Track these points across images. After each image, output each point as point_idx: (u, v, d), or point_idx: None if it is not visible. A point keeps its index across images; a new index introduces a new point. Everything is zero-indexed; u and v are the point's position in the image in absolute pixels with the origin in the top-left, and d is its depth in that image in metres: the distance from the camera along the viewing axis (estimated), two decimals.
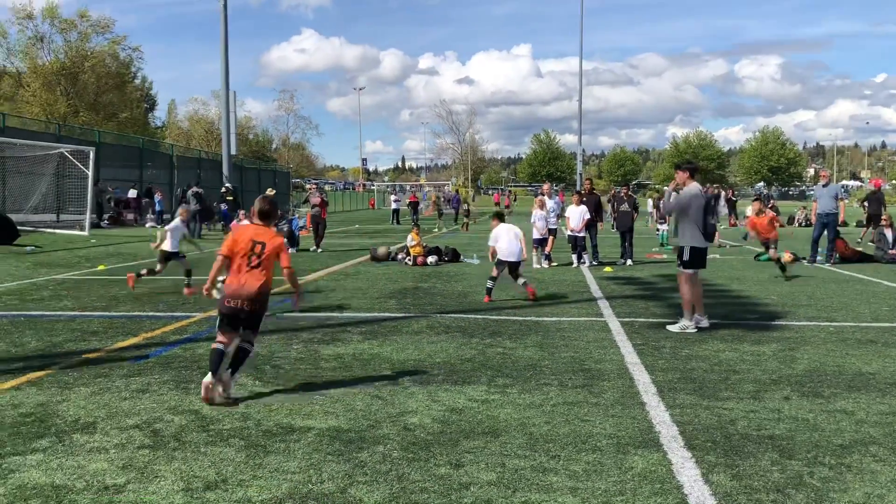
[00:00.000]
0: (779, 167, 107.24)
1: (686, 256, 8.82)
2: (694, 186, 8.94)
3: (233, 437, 4.85)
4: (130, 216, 34.65)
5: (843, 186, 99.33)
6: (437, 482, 4.13)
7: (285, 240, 22.34)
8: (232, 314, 5.65)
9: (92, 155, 27.74)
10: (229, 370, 5.69)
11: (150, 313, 9.70)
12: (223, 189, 31.05)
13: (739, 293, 12.14)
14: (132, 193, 35.99)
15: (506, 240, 11.09)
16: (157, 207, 34.42)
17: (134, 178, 37.86)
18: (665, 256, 19.40)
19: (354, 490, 4.01)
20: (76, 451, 4.61)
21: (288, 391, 6.01)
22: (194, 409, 5.48)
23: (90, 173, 27.67)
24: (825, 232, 17.02)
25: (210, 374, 5.59)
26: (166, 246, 11.66)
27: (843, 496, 3.97)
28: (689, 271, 8.83)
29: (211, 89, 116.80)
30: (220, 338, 5.72)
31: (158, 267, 11.80)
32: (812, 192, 27.10)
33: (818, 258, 17.17)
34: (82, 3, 66.87)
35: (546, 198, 17.25)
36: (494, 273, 11.15)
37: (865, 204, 23.02)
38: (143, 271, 11.85)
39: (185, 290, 11.28)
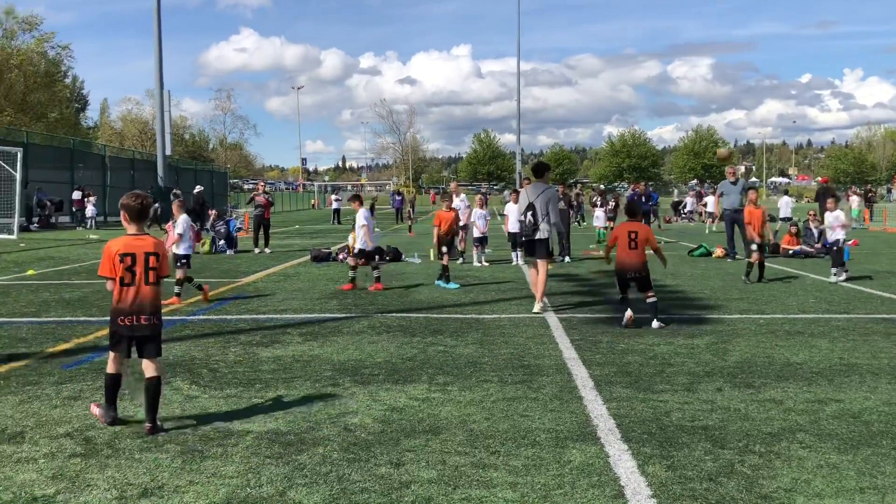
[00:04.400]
0: (712, 165, 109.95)
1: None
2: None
3: (168, 443, 4.76)
4: (65, 218, 33.69)
5: (753, 183, 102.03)
6: (378, 482, 4.12)
7: (222, 240, 21.64)
8: (623, 280, 8.93)
9: (20, 156, 26.85)
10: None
11: (83, 318, 9.44)
12: (200, 188, 30.91)
13: (674, 288, 12.42)
14: (76, 195, 34.99)
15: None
16: (91, 211, 33.53)
17: (65, 179, 36.76)
18: (602, 253, 19.74)
19: (293, 493, 3.98)
20: (3, 461, 4.45)
21: (225, 395, 5.92)
22: (128, 416, 5.34)
23: (18, 175, 26.76)
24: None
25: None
26: (179, 249, 10.97)
27: (771, 482, 4.10)
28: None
29: (146, 88, 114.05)
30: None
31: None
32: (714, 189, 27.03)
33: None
34: None
35: (454, 195, 17.37)
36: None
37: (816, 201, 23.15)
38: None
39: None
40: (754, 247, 12.94)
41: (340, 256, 17.24)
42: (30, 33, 58.50)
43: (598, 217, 24.04)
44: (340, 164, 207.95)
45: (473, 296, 11.54)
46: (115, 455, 4.56)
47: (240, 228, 23.93)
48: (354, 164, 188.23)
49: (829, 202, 14.28)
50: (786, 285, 12.62)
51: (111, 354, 5.13)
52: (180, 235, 10.97)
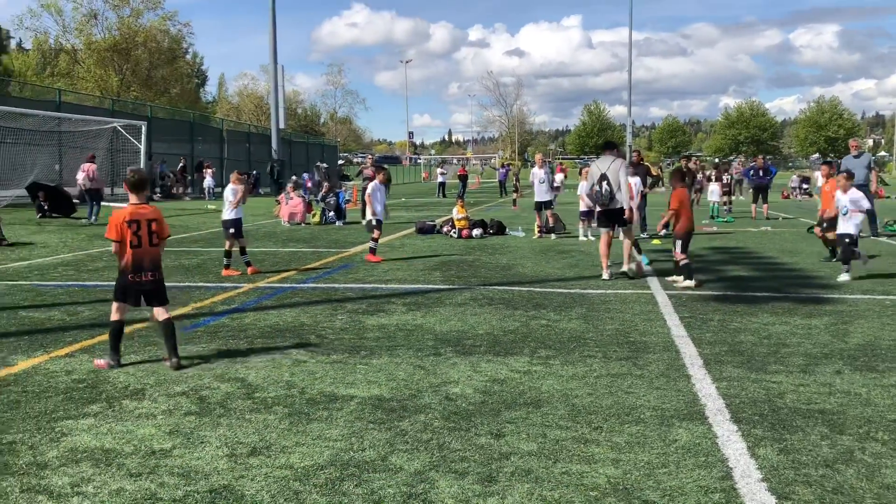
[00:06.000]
0: (836, 138, 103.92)
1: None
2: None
3: (276, 405, 4.92)
4: (180, 190, 35.31)
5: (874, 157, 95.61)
6: (478, 451, 4.12)
7: (332, 212, 22.00)
8: (689, 241, 9.95)
9: (144, 129, 28.25)
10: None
11: (200, 284, 9.86)
12: (341, 162, 31.76)
13: (791, 266, 11.85)
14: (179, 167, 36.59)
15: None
16: (209, 182, 34.94)
17: (185, 152, 38.49)
18: (716, 228, 19.07)
19: (395, 458, 4.03)
20: (125, 416, 4.72)
21: (332, 360, 6.07)
22: (240, 378, 5.57)
23: (143, 147, 28.19)
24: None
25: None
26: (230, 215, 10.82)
27: (895, 472, 3.85)
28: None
29: (260, 64, 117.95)
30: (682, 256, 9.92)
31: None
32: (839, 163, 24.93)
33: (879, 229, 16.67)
34: None
35: (537, 168, 16.97)
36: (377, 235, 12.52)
37: None
38: None
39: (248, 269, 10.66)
40: (824, 224, 11.91)
41: (444, 229, 17.33)
42: (154, 11, 61.18)
43: (713, 191, 23.19)
44: (447, 137, 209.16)
45: (578, 270, 11.37)
46: (227, 414, 4.75)
47: (348, 200, 24.42)
48: (460, 138, 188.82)
49: (842, 179, 10.53)
50: None
51: (115, 304, 5.88)
52: (230, 202, 10.88)
